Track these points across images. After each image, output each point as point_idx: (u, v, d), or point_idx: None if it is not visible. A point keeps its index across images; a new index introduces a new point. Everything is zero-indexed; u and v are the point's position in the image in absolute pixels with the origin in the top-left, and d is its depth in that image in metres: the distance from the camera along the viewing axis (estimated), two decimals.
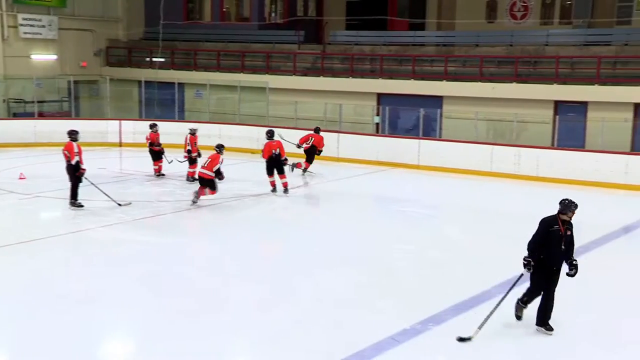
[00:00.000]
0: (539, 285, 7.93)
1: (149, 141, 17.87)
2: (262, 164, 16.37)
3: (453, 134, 21.47)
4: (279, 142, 16.50)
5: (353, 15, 28.60)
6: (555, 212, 8.00)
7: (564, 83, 20.59)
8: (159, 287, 9.57)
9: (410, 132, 22.18)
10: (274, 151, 16.12)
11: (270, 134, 16.65)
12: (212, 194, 14.76)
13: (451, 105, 22.16)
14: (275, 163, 16.17)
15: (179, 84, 26.12)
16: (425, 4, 28.81)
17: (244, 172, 18.34)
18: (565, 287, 9.70)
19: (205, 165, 14.63)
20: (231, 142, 21.94)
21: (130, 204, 14.49)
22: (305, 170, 18.85)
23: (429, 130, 21.99)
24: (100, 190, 14.41)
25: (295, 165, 18.46)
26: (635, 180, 17.36)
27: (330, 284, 9.81)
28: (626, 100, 19.39)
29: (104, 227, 12.85)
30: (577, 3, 25.09)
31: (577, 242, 12.16)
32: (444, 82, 22.50)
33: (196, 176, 16.04)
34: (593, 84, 20.03)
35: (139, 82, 26.35)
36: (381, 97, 23.78)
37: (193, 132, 17.47)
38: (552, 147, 19.75)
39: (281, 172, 16.27)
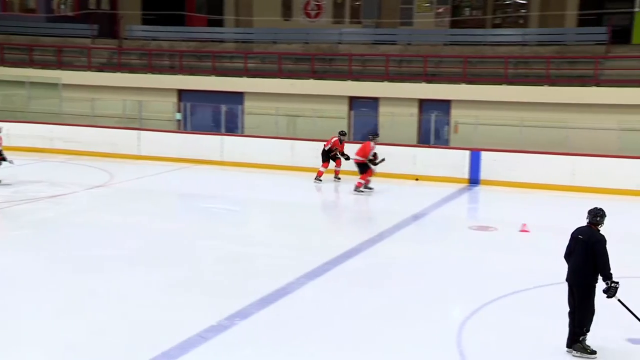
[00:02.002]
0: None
1: None
2: (56, 164, 15.42)
3: (255, 130, 21.78)
4: None
5: (149, 9, 27.90)
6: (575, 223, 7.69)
7: (357, 80, 21.71)
8: None
9: (213, 128, 22.17)
10: None
11: None
12: (366, 176, 16.75)
13: (252, 102, 22.46)
14: None
15: None
16: (222, 1, 28.88)
17: (37, 173, 17.20)
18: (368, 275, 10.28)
19: (357, 151, 16.82)
20: (23, 141, 20.51)
21: None
22: None
23: (232, 127, 22.13)
24: None
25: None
26: (422, 171, 18.77)
27: (134, 285, 9.55)
28: (411, 96, 20.88)
29: None
30: (365, 4, 26.52)
31: (373, 231, 13.05)
32: (245, 79, 22.73)
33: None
34: (383, 81, 21.34)
35: None
36: (182, 94, 23.48)
37: None
38: (348, 141, 20.74)
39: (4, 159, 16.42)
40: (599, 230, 7.47)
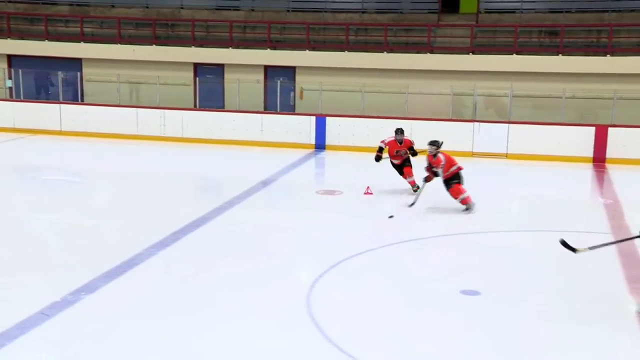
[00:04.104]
0: None
1: None
2: None
3: (96, 98, 20.91)
4: None
5: None
6: None
7: (201, 46, 21.38)
8: None
9: (50, 96, 21.01)
10: None
11: None
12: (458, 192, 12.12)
13: (92, 68, 21.49)
14: None
15: None
16: None
17: None
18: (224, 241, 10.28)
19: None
20: None
21: None
22: None
23: (70, 95, 21.08)
24: None
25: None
26: (269, 138, 18.96)
27: None
28: (257, 62, 20.92)
29: None
30: None
31: (223, 199, 13.05)
32: (82, 44, 21.65)
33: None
34: (227, 47, 21.15)
35: None
36: (12, 59, 21.95)
37: None
38: (194, 109, 20.49)
39: None
40: None
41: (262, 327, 7.25)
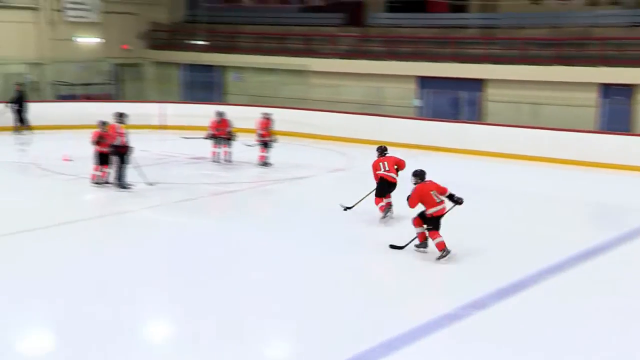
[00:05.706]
0: None
1: (226, 128, 17.53)
2: (301, 147, 16.08)
3: (496, 118, 21.20)
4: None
5: None
6: None
7: (610, 65, 20.06)
8: (197, 272, 9.45)
9: (452, 115, 21.97)
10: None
11: None
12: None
13: (493, 89, 21.85)
14: None
15: (219, 66, 26.25)
16: None
17: (284, 156, 18.22)
18: None
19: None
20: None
21: (155, 184, 14.46)
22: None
23: (470, 114, 21.75)
24: (137, 171, 14.37)
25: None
26: None
27: (373, 268, 9.75)
28: None
29: (144, 209, 13.01)
30: None
31: (624, 227, 11.97)
32: (486, 65, 22.08)
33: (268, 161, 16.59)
34: None
35: (179, 64, 26.58)
36: (421, 80, 23.50)
37: (267, 117, 17.47)
38: (599, 131, 19.38)
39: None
40: None
41: None
